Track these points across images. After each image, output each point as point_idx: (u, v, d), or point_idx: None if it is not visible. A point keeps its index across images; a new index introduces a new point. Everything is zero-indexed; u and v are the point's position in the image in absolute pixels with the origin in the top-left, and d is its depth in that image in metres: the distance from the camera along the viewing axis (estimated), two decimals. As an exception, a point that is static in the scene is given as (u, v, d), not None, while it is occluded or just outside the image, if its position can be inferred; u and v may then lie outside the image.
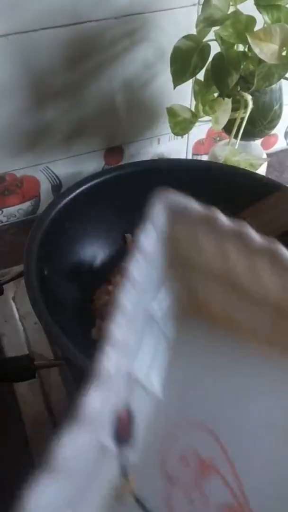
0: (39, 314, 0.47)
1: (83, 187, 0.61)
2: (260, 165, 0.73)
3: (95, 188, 0.61)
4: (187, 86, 0.75)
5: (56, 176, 0.84)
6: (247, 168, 0.71)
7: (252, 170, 0.71)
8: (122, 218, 0.66)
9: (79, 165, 0.84)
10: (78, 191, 0.60)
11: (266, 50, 0.63)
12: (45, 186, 0.84)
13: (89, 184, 0.61)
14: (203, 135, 0.94)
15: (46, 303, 0.49)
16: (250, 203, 0.66)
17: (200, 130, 0.92)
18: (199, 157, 0.96)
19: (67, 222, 0.59)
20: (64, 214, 0.58)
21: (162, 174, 0.67)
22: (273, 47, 0.63)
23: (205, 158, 0.94)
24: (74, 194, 0.59)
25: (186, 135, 0.91)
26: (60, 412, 0.58)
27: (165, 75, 0.71)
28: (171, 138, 0.90)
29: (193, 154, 0.95)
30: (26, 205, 0.84)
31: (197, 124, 0.77)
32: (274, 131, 0.88)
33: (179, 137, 0.90)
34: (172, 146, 0.91)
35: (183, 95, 0.81)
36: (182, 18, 0.75)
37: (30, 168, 0.81)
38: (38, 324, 0.53)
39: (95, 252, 0.64)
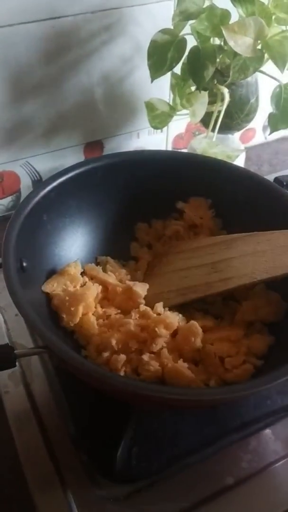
0: (18, 305, 0.48)
1: (60, 180, 0.61)
2: (237, 156, 0.74)
3: (72, 180, 0.62)
4: (165, 80, 0.76)
5: (37, 171, 0.84)
6: (224, 160, 0.72)
7: (229, 161, 0.72)
8: (100, 209, 0.67)
9: (59, 160, 0.84)
10: (54, 183, 0.60)
11: (241, 43, 0.64)
12: (25, 182, 0.84)
13: (66, 177, 0.61)
14: (182, 130, 0.95)
15: (25, 293, 0.49)
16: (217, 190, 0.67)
17: (180, 124, 0.93)
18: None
19: (44, 214, 0.60)
20: (41, 206, 0.58)
21: (138, 165, 0.68)
22: (248, 40, 0.64)
23: (185, 152, 0.95)
24: (51, 186, 0.60)
25: (166, 129, 0.92)
26: (42, 401, 0.59)
27: (143, 69, 0.72)
28: (150, 132, 0.90)
29: (173, 148, 0.96)
30: (7, 200, 0.84)
31: (176, 118, 0.78)
32: (252, 125, 0.89)
33: (159, 131, 0.91)
34: (152, 140, 0.92)
35: (161, 89, 0.82)
36: (158, 13, 0.76)
37: (10, 163, 0.81)
38: (19, 316, 0.53)
39: (74, 243, 0.65)
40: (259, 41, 0.65)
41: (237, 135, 0.93)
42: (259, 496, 0.53)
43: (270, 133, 0.74)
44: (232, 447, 0.56)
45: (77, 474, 0.53)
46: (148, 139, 0.91)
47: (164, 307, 0.59)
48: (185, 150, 0.94)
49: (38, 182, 0.85)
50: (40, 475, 0.53)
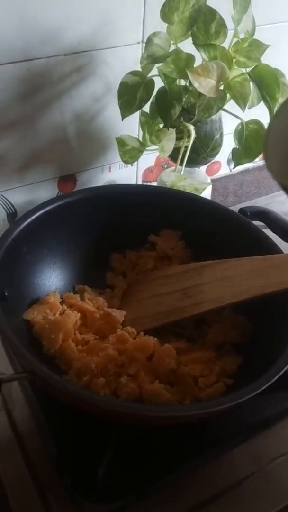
0: (2, 332, 0.50)
1: (38, 213, 0.64)
2: (204, 189, 0.78)
3: (49, 214, 0.65)
4: (135, 117, 0.80)
5: (11, 204, 0.86)
6: (192, 192, 0.77)
7: (197, 194, 0.77)
8: (77, 241, 0.71)
9: (34, 193, 0.87)
10: (33, 217, 0.64)
11: (205, 85, 0.69)
12: (0, 215, 0.87)
13: (43, 210, 0.65)
14: (152, 163, 0.99)
15: (8, 322, 0.52)
16: (186, 222, 0.72)
17: (149, 158, 0.97)
18: (148, 184, 1.01)
19: (24, 247, 0.63)
20: (21, 238, 0.62)
21: (111, 199, 0.72)
22: (211, 81, 0.69)
23: (154, 184, 0.99)
24: (29, 220, 0.63)
25: (136, 163, 0.96)
26: (24, 427, 0.60)
27: (113, 107, 0.76)
28: (121, 166, 0.94)
29: (143, 181, 1.00)
30: (-17, 233, 0.86)
31: (145, 152, 0.82)
32: (217, 159, 0.94)
33: (129, 165, 0.95)
34: (123, 174, 0.95)
35: (131, 126, 0.86)
36: (127, 55, 0.80)
37: (-15, 197, 0.83)
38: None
39: (52, 273, 0.68)
40: (221, 83, 0.70)
41: (203, 168, 0.98)
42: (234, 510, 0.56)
43: (234, 166, 0.79)
44: (207, 463, 0.59)
45: (60, 497, 0.55)
46: (119, 172, 0.95)
47: (139, 331, 0.62)
48: (154, 183, 0.98)
49: (13, 215, 0.87)
50: (23, 501, 0.55)
